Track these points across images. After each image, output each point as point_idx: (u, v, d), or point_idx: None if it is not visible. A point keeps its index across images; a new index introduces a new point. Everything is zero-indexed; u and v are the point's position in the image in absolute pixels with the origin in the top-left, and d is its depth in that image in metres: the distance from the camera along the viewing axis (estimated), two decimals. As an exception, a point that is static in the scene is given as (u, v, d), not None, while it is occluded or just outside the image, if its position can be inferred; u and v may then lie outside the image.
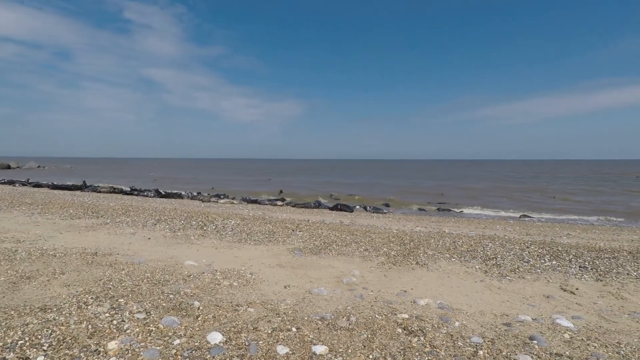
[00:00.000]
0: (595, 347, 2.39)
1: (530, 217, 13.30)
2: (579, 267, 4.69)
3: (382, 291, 3.58)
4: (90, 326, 2.45)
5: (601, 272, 4.44)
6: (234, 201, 15.00)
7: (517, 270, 4.52)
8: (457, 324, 2.76)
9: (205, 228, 6.74)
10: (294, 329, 2.58)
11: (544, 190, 24.29)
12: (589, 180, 36.98)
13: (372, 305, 3.11)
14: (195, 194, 17.09)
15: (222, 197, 16.04)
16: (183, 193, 17.01)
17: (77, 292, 3.09)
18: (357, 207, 14.52)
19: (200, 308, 2.88)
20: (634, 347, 2.40)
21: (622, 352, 2.32)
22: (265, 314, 2.83)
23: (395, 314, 2.91)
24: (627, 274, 4.41)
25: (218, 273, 3.90)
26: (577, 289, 3.82)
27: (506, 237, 7.03)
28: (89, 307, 2.76)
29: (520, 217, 13.27)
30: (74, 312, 2.65)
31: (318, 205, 14.66)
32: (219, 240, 5.85)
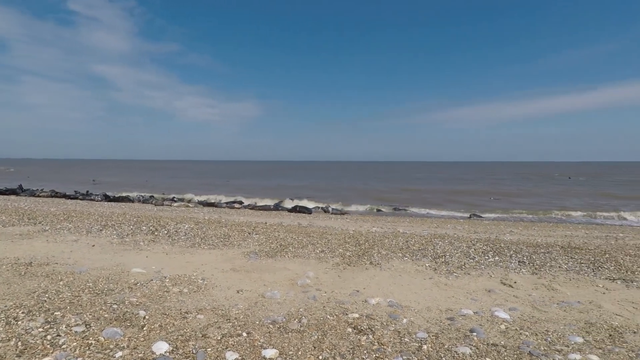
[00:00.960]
0: (527, 335, 2.58)
1: (479, 216, 14.08)
2: (518, 262, 5.04)
3: (336, 292, 3.64)
4: (20, 343, 2.27)
5: (537, 266, 4.80)
6: (189, 204, 14.53)
7: (464, 266, 4.77)
8: (405, 320, 2.86)
9: (156, 233, 6.46)
10: (244, 334, 2.54)
11: (490, 191, 25.83)
12: (530, 180, 39.85)
13: (324, 306, 3.15)
14: (147, 197, 16.35)
15: (176, 200, 15.48)
16: (133, 196, 16.20)
17: (6, 306, 2.84)
18: (316, 208, 14.62)
19: (146, 317, 2.76)
20: (559, 333, 2.62)
21: (549, 339, 2.52)
22: (215, 320, 2.77)
23: (346, 314, 2.96)
24: (559, 267, 4.81)
25: (167, 280, 3.76)
26: (515, 282, 4.10)
27: (455, 236, 7.40)
28: (20, 322, 2.56)
29: (470, 216, 14.01)
30: (1, 329, 2.44)
31: (277, 207, 14.58)
32: (171, 245, 5.64)
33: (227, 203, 15.31)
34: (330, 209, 14.51)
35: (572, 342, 2.49)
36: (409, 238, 6.75)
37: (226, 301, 3.26)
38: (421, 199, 20.20)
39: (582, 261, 5.07)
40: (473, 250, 5.69)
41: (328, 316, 2.91)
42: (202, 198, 17.26)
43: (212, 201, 15.85)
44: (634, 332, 2.68)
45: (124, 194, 16.84)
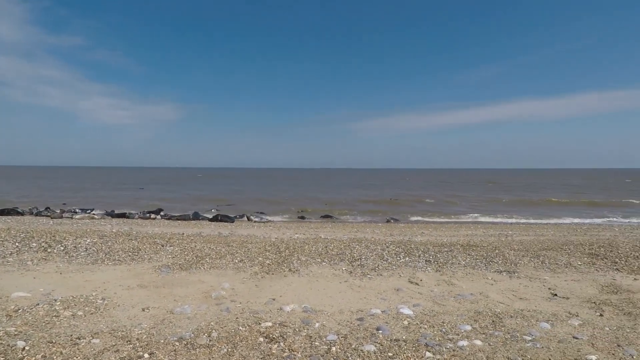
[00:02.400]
0: (425, 328, 2.82)
1: (396, 219, 15.02)
2: (425, 261, 5.48)
3: (251, 302, 3.58)
4: None
5: (440, 264, 5.27)
6: (95, 216, 13.14)
7: (377, 268, 5.04)
8: (317, 325, 2.92)
9: (49, 250, 5.71)
10: (146, 355, 2.37)
11: (408, 195, 27.78)
12: (445, 186, 43.77)
13: (237, 318, 3.07)
14: (41, 209, 14.40)
15: (79, 211, 13.88)
16: (24, 209, 14.14)
17: None
18: (239, 217, 14.26)
19: (27, 348, 2.42)
20: (453, 324, 2.91)
21: (444, 330, 2.78)
22: (113, 344, 2.53)
23: (259, 324, 2.93)
24: (458, 263, 5.34)
25: (58, 303, 3.34)
26: (421, 280, 4.45)
27: (372, 239, 7.78)
28: None
29: (387, 220, 14.86)
30: None
31: (196, 216, 13.90)
32: (68, 263, 5.03)
33: (139, 213, 14.16)
34: (253, 217, 14.27)
35: (462, 331, 2.77)
36: (328, 243, 6.93)
37: (129, 321, 3.00)
38: (345, 204, 20.92)
39: (477, 257, 5.69)
40: (387, 252, 6.04)
41: (240, 327, 2.84)
42: (111, 208, 15.73)
43: (122, 212, 14.53)
44: (511, 317, 3.08)
45: (9, 207, 14.58)
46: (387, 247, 6.49)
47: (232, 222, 12.88)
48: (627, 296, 3.82)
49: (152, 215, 13.82)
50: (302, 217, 15.74)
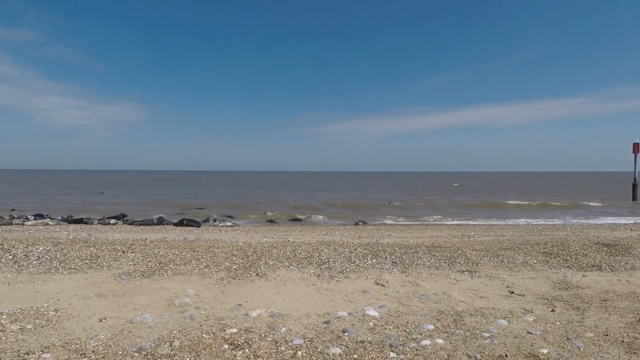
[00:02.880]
0: (390, 329, 2.87)
1: (364, 222, 15.23)
2: (392, 262, 5.59)
3: (216, 308, 3.50)
4: None
5: (406, 265, 5.39)
6: (50, 222, 12.40)
7: (345, 271, 5.08)
8: (283, 329, 2.90)
9: (-4, 260, 5.32)
10: (102, 368, 2.25)
11: (377, 197, 28.25)
12: (412, 188, 44.86)
13: (201, 325, 2.99)
14: (-10, 216, 13.41)
15: (31, 217, 13.05)
16: (-30, 216, 13.13)
17: None
18: (207, 220, 13.94)
19: (-33, 366, 2.24)
20: (416, 324, 2.98)
21: (407, 330, 2.85)
22: (66, 358, 2.39)
23: (224, 330, 2.87)
24: (423, 264, 5.49)
25: (4, 316, 3.12)
26: (387, 281, 4.53)
27: (341, 242, 7.84)
28: None
29: (356, 222, 15.03)
30: None
31: (161, 221, 13.45)
32: (16, 273, 4.71)
33: (99, 219, 13.51)
34: (221, 220, 13.99)
35: (426, 330, 2.85)
36: (297, 247, 6.90)
37: (84, 333, 2.85)
38: (315, 207, 20.96)
39: (441, 258, 5.87)
40: (354, 254, 6.10)
41: (204, 335, 2.77)
42: (68, 214, 14.90)
43: (80, 217, 13.80)
44: (472, 315, 3.20)
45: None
46: (355, 249, 6.56)
47: (199, 226, 12.56)
48: (576, 292, 4.07)
49: (113, 221, 13.23)
50: (271, 221, 15.62)
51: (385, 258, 5.86)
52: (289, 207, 21.54)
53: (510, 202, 25.48)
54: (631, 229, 11.54)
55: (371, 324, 3.00)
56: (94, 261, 5.40)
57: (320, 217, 17.06)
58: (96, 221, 13.10)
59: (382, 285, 4.37)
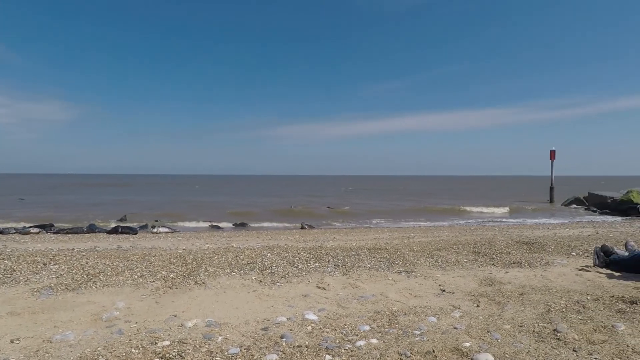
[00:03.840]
0: (328, 332, 2.92)
1: (310, 225, 15.34)
2: (334, 265, 5.69)
3: (149, 320, 3.32)
4: None
5: (347, 268, 5.52)
6: (-44, 233, 10.95)
7: (287, 275, 5.08)
8: (220, 338, 2.83)
9: None
10: (10, 395, 2.03)
11: (323, 201, 28.58)
12: (357, 192, 45.97)
13: (130, 340, 2.82)
14: None
15: None
16: None
17: None
18: (145, 227, 13.16)
19: None
20: (353, 325, 3.07)
21: (344, 332, 2.92)
22: (-35, 386, 2.13)
23: (156, 343, 2.73)
24: (364, 266, 5.65)
25: None
26: (328, 284, 4.60)
27: (285, 246, 7.82)
28: None
29: (301, 226, 15.10)
30: None
31: (92, 229, 12.46)
32: None
33: (19, 228, 12.18)
34: (160, 227, 13.30)
35: (362, 331, 2.94)
36: (240, 252, 6.77)
37: (-9, 357, 2.55)
38: (260, 211, 20.69)
39: (381, 260, 6.09)
40: (298, 259, 6.12)
41: (133, 350, 2.62)
42: (-20, 223, 13.24)
43: (-4, 226, 12.35)
44: (405, 314, 3.37)
45: None
46: (299, 253, 6.59)
47: (135, 233, 11.84)
48: (499, 287, 4.44)
49: (35, 230, 12.01)
50: (215, 226, 15.16)
51: (328, 261, 5.94)
52: (234, 211, 21.06)
53: (439, 206, 27.14)
54: (548, 228, 12.88)
55: (309, 327, 3.03)
56: (9, 275, 4.86)
57: (266, 221, 16.89)
58: (14, 230, 11.79)
59: (324, 288, 4.43)
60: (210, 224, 15.74)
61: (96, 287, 4.43)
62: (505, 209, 24.48)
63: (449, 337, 2.77)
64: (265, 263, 5.77)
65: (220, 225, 15.44)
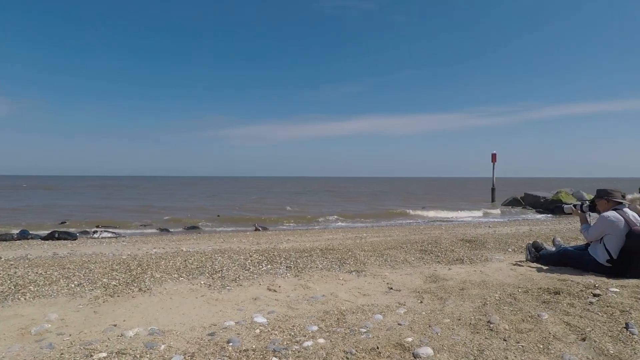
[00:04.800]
0: (276, 334, 2.92)
1: (264, 227, 15.18)
2: (286, 267, 5.68)
3: (85, 332, 3.11)
4: None
5: (300, 269, 5.54)
6: None
7: (238, 279, 4.99)
8: (162, 347, 2.72)
9: None
10: None
11: (278, 203, 28.39)
12: (313, 193, 46.17)
13: (62, 354, 2.62)
14: None
15: None
16: None
17: None
18: (86, 232, 12.29)
19: None
20: (302, 326, 3.09)
21: (292, 333, 2.93)
22: None
23: (91, 356, 2.57)
24: (316, 267, 5.70)
25: None
26: (279, 286, 4.59)
27: (237, 249, 7.68)
28: None
29: (255, 228, 14.91)
30: None
31: (24, 235, 11.43)
32: None
33: None
34: (103, 231, 12.49)
35: (310, 331, 2.97)
36: (189, 257, 6.54)
37: None
38: (213, 213, 20.12)
39: (333, 260, 6.18)
40: (250, 261, 6.04)
41: (65, 364, 2.44)
42: None
43: None
44: (353, 313, 3.45)
45: None
46: (251, 256, 6.50)
47: (75, 239, 11.03)
48: (442, 284, 4.68)
49: (-46, 236, 10.78)
50: (164, 230, 14.52)
51: (280, 263, 5.93)
52: (186, 213, 20.31)
53: (395, 210, 28.08)
54: (489, 227, 13.79)
55: (257, 331, 3.01)
56: None
57: (219, 224, 16.48)
58: None
59: (274, 290, 4.42)
60: (159, 227, 15.04)
61: (25, 299, 4.08)
62: (455, 211, 25.81)
63: (393, 333, 2.88)
64: (216, 267, 5.63)
65: (170, 229, 14.80)
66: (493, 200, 30.87)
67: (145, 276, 5.07)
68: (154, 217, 18.28)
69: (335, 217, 19.73)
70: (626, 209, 4.92)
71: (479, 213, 23.20)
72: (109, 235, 12.07)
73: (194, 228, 15.25)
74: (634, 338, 2.70)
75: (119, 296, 4.21)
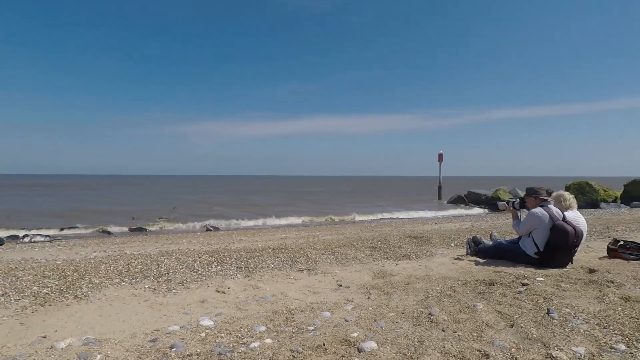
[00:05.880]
0: (222, 337, 2.87)
1: (216, 227, 14.78)
2: (236, 268, 5.59)
3: (8, 346, 2.84)
4: None
5: (250, 269, 5.47)
6: None
7: (185, 281, 4.83)
8: (98, 357, 2.57)
9: None
10: None
11: (232, 201, 27.76)
12: (266, 192, 45.67)
13: (-20, 371, 2.39)
14: None
15: None
16: None
17: None
18: (15, 236, 11.20)
19: None
20: (250, 327, 3.06)
21: (240, 335, 2.90)
22: None
23: (15, 372, 2.36)
24: (267, 266, 5.67)
25: None
26: (229, 288, 4.50)
27: (186, 250, 7.41)
28: None
29: (206, 228, 14.47)
30: None
31: (-62, 241, 10.17)
32: None
33: None
34: (34, 235, 11.46)
35: (257, 332, 2.95)
36: (132, 260, 6.20)
37: None
38: (162, 214, 19.22)
39: (284, 259, 6.17)
40: (198, 263, 5.86)
41: (-17, 383, 2.22)
42: None
43: None
44: (302, 311, 3.48)
45: None
46: (200, 257, 6.31)
47: (1, 244, 10.01)
48: (389, 279, 4.86)
49: None
50: (106, 232, 13.64)
51: (231, 264, 5.81)
52: (133, 214, 19.22)
53: (351, 215, 28.67)
54: (435, 223, 14.49)
55: (203, 334, 2.93)
56: None
57: (168, 224, 15.79)
58: None
59: (223, 292, 4.33)
60: (99, 229, 14.07)
61: (-63, 313, 3.64)
62: (406, 211, 26.81)
63: (340, 330, 2.95)
64: (162, 270, 5.40)
65: (112, 230, 13.90)
66: (440, 198, 32.56)
67: (83, 282, 4.73)
68: (94, 218, 17.08)
69: (288, 216, 19.70)
70: (550, 205, 5.41)
71: (426, 210, 24.32)
72: (43, 239, 11.10)
73: (139, 230, 14.48)
74: (554, 322, 2.99)
75: (50, 305, 3.90)
